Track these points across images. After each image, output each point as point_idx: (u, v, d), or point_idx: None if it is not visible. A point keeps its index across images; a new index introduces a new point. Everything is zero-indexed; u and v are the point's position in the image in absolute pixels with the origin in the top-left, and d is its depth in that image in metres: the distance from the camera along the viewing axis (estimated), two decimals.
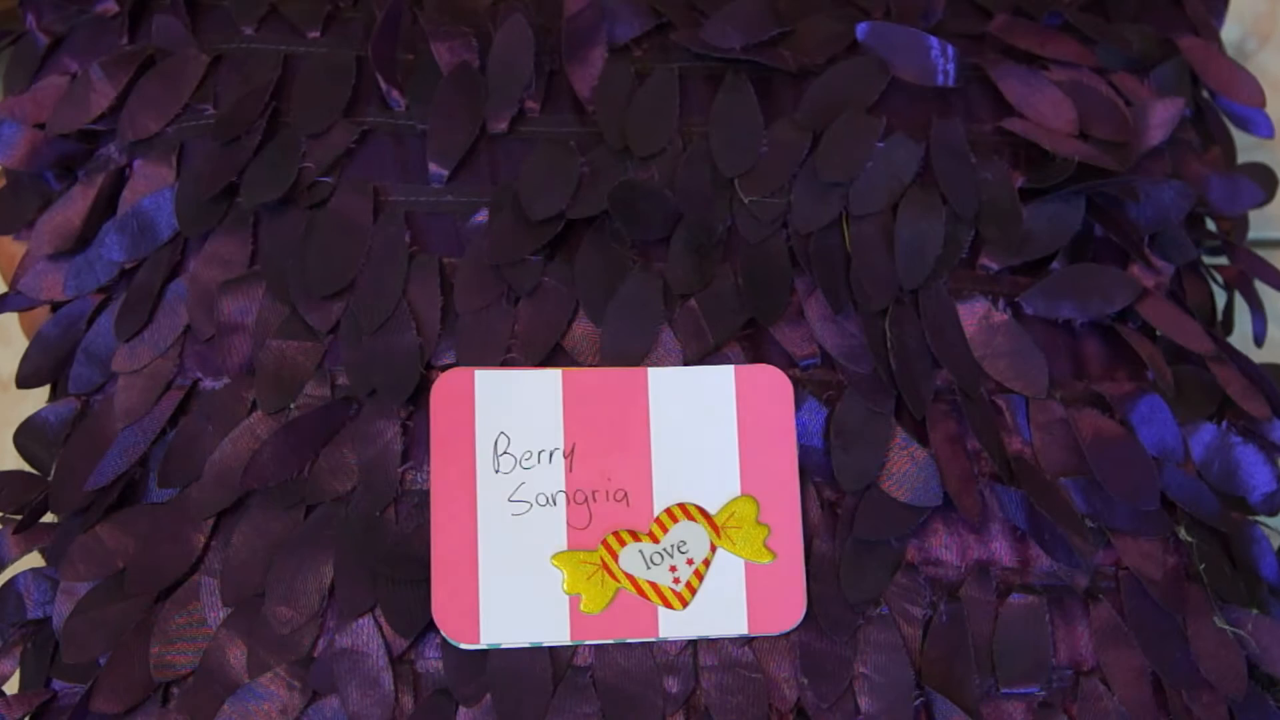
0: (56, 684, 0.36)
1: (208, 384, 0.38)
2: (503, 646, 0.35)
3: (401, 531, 0.36)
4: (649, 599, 0.36)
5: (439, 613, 0.35)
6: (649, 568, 0.36)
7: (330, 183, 0.39)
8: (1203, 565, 0.38)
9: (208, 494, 0.36)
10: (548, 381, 0.37)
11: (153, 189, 0.40)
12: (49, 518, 0.38)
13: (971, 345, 0.39)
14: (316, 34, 0.41)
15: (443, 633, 0.35)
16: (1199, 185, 0.43)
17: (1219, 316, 0.44)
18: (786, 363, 0.38)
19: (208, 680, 0.35)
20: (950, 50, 0.42)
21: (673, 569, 0.36)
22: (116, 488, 0.37)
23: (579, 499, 0.36)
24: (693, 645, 0.36)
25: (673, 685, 0.36)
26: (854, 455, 0.37)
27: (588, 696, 0.35)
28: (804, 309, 0.39)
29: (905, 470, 0.37)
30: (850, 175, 0.40)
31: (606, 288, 0.38)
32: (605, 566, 0.36)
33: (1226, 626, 0.37)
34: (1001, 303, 0.40)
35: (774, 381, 0.38)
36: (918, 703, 0.36)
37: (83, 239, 0.40)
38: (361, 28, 0.42)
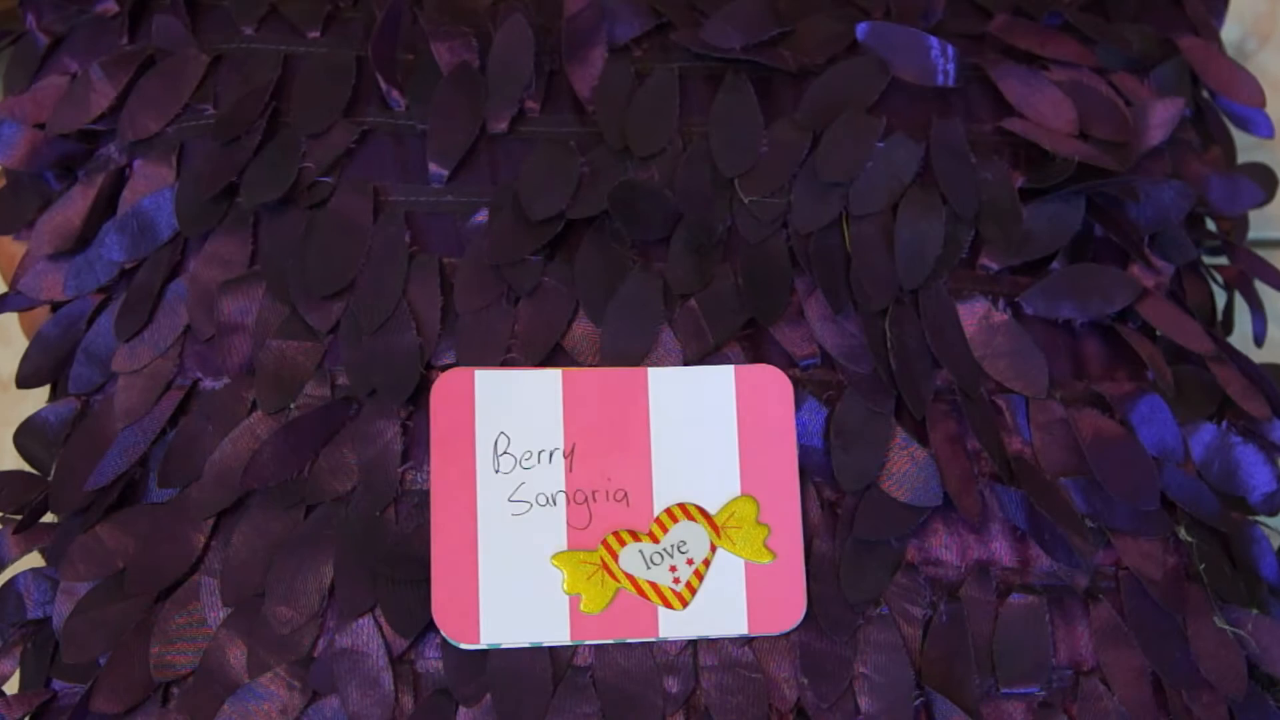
0: (56, 684, 0.36)
1: (208, 384, 0.38)
2: (503, 646, 0.35)
3: (401, 531, 0.36)
4: (649, 599, 0.36)
5: (439, 613, 0.35)
6: (649, 568, 0.36)
7: (330, 183, 0.39)
8: (1203, 565, 0.38)
9: (208, 494, 0.36)
10: (548, 381, 0.37)
11: (153, 189, 0.40)
12: (49, 518, 0.38)
13: (971, 345, 0.39)
14: (316, 34, 0.41)
15: (443, 633, 0.35)
16: (1199, 185, 0.43)
17: (1219, 316, 0.44)
18: (786, 363, 0.38)
19: (208, 680, 0.35)
20: (950, 50, 0.42)
21: (673, 569, 0.36)
22: (116, 488, 0.37)
23: (579, 499, 0.36)
24: (693, 645, 0.36)
25: (673, 685, 0.36)
26: (854, 455, 0.37)
27: (588, 696, 0.35)
28: (804, 309, 0.39)
29: (905, 470, 0.37)
30: (850, 175, 0.40)
31: (606, 288, 0.38)
32: (605, 566, 0.36)
33: (1226, 626, 0.37)
34: (1001, 303, 0.40)
35: (774, 381, 0.38)
36: (918, 703, 0.36)
37: (83, 239, 0.40)
38: (361, 28, 0.42)
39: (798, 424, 0.38)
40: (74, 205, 0.40)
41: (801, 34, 0.42)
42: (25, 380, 0.40)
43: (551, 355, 0.38)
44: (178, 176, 0.40)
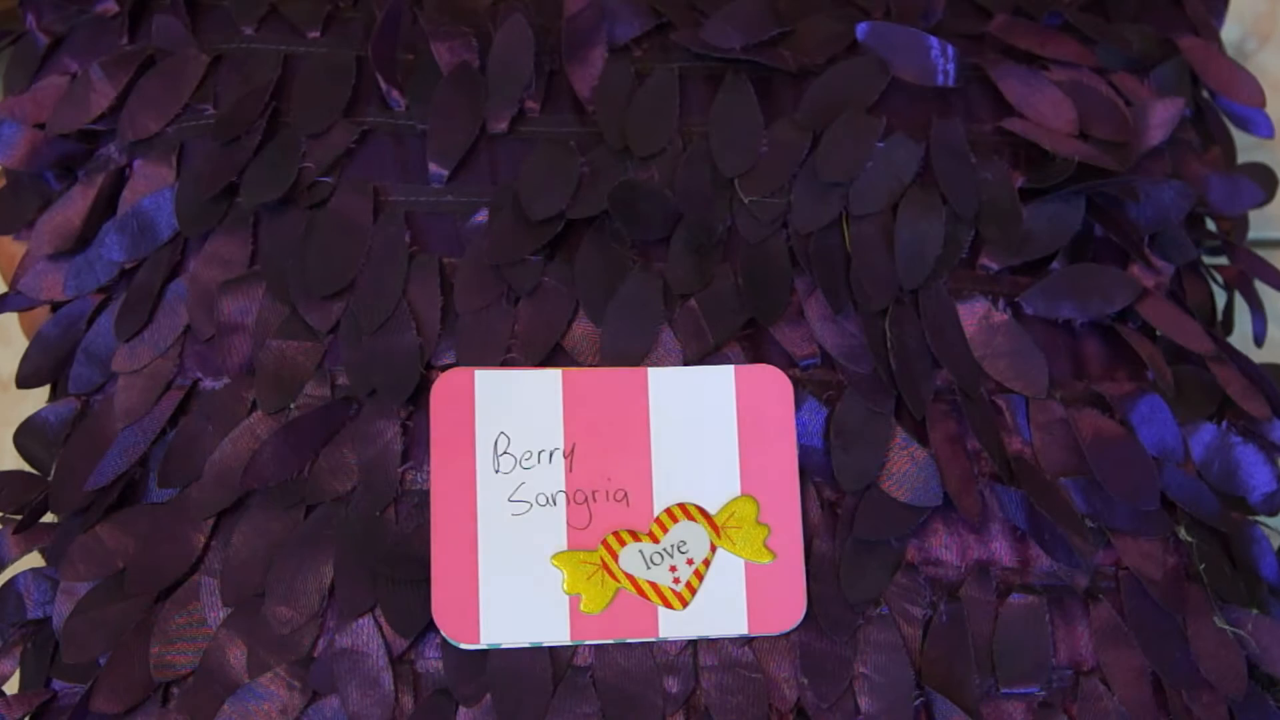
0: (56, 684, 0.36)
1: (208, 384, 0.38)
2: (503, 646, 0.35)
3: (401, 531, 0.36)
4: (649, 599, 0.36)
5: (439, 613, 0.35)
6: (649, 568, 0.36)
7: (330, 183, 0.39)
8: (1203, 565, 0.38)
9: (208, 494, 0.36)
10: (548, 381, 0.37)
11: (153, 189, 0.40)
12: (49, 518, 0.38)
13: (971, 345, 0.39)
14: (316, 34, 0.41)
15: (443, 633, 0.35)
16: (1199, 185, 0.43)
17: (1219, 316, 0.44)
18: (786, 363, 0.38)
19: (208, 680, 0.35)
20: (950, 50, 0.42)
21: (673, 569, 0.36)
22: (116, 488, 0.37)
23: (579, 499, 0.36)
24: (693, 645, 0.36)
25: (673, 685, 0.36)
26: (854, 455, 0.37)
27: (588, 696, 0.35)
28: (804, 309, 0.39)
29: (905, 470, 0.37)
30: (850, 175, 0.40)
31: (606, 288, 0.38)
32: (605, 566, 0.36)
33: (1226, 626, 0.37)
34: (1001, 303, 0.40)
35: (774, 381, 0.38)
36: (918, 703, 0.36)
37: (83, 239, 0.40)
38: (361, 28, 0.42)
39: (798, 424, 0.38)
40: (74, 205, 0.40)
41: (801, 34, 0.42)
42: (25, 380, 0.40)
43: (551, 355, 0.38)
44: (178, 176, 0.40)
